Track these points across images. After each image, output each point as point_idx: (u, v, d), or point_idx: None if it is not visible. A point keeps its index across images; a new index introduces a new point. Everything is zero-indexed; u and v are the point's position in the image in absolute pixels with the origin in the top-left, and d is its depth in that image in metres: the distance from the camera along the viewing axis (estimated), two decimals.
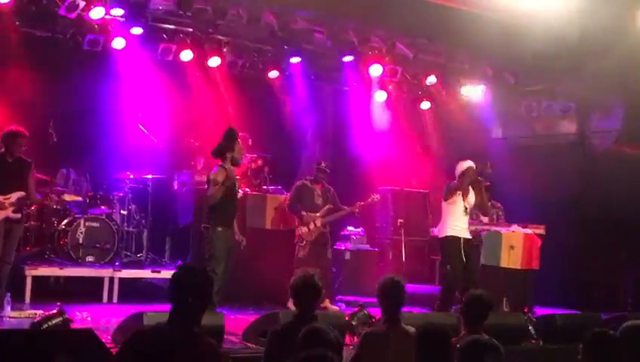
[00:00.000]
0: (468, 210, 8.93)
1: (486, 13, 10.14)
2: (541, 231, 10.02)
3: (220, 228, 7.99)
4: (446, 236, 8.91)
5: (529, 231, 9.89)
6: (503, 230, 9.88)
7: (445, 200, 8.93)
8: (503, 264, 9.64)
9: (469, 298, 5.46)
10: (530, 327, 7.64)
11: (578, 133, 12.55)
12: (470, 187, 8.96)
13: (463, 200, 8.88)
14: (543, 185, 11.69)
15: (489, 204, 9.49)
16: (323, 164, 9.99)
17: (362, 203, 10.14)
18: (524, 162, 12.23)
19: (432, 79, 12.12)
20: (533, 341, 7.66)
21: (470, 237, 8.99)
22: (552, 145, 12.67)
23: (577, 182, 11.50)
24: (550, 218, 10.60)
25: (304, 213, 9.74)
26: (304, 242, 9.73)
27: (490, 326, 5.35)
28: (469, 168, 8.91)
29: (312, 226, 9.71)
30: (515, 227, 9.95)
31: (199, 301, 3.89)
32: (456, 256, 8.81)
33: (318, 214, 9.78)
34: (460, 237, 8.83)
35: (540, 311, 9.26)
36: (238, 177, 8.33)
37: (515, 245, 9.66)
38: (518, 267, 9.65)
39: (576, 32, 10.17)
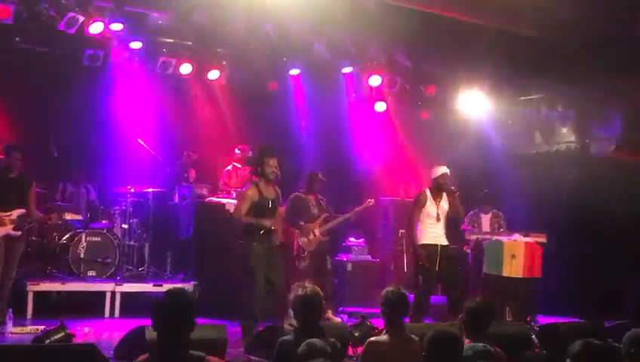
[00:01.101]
0: (440, 216, 8.87)
1: (485, 22, 10.19)
2: (542, 239, 10.00)
3: (255, 243, 7.93)
4: (422, 243, 8.86)
5: (530, 239, 9.89)
6: (504, 239, 9.88)
7: (419, 206, 8.91)
8: (505, 273, 9.62)
9: (470, 307, 5.46)
10: (533, 336, 7.61)
11: (578, 141, 12.56)
12: (444, 194, 8.95)
13: (436, 206, 8.90)
14: (544, 193, 11.69)
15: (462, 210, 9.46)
16: (320, 175, 9.98)
17: (358, 208, 10.08)
18: (524, 171, 12.23)
19: (430, 89, 12.15)
20: (536, 350, 7.63)
21: (446, 243, 8.95)
22: (551, 153, 12.67)
23: (578, 189, 11.49)
24: (551, 226, 10.59)
25: (302, 223, 9.72)
26: (305, 253, 9.70)
27: (493, 336, 5.34)
28: (443, 174, 8.92)
29: (311, 236, 9.65)
30: (516, 236, 9.94)
31: (185, 324, 3.80)
32: (429, 265, 8.76)
33: (315, 223, 9.74)
34: (436, 244, 8.81)
35: (543, 319, 9.24)
36: (271, 194, 8.13)
37: (516, 254, 9.64)
38: (520, 276, 9.63)
39: (575, 40, 10.21)
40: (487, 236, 10.17)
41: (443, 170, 8.95)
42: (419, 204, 8.95)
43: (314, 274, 9.35)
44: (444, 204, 8.94)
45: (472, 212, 10.68)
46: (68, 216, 9.52)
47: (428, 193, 8.95)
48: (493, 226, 10.58)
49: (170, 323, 3.77)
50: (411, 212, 9.09)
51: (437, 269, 8.73)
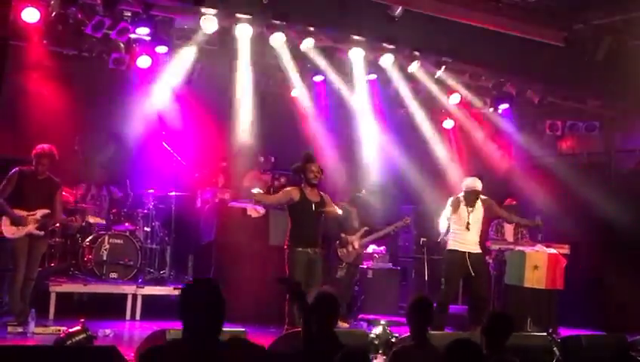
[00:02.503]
0: (471, 225, 8.89)
1: (509, 31, 10.15)
2: (566, 251, 9.94)
3: (299, 249, 8.14)
4: (448, 249, 8.96)
5: (553, 251, 9.82)
6: (527, 250, 9.82)
7: (449, 213, 8.97)
8: (527, 284, 9.57)
9: (491, 317, 5.45)
10: (555, 348, 7.53)
11: (603, 152, 12.46)
12: (480, 204, 8.98)
13: (468, 214, 8.89)
14: (567, 204, 11.61)
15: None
16: (364, 191, 10.22)
17: (397, 224, 10.48)
18: (548, 181, 12.16)
19: (455, 98, 12.10)
20: None
21: (478, 251, 8.97)
22: (576, 164, 12.58)
23: (602, 201, 11.39)
24: (575, 238, 10.51)
25: (343, 235, 9.87)
26: (343, 264, 9.90)
27: (515, 347, 5.31)
28: (474, 190, 8.96)
29: (350, 248, 9.86)
30: (539, 247, 9.89)
31: (211, 314, 3.73)
32: (454, 271, 8.84)
33: (355, 236, 9.88)
34: (464, 251, 8.84)
35: (565, 331, 9.16)
36: (315, 198, 8.35)
37: (539, 265, 9.59)
38: (543, 287, 9.58)
39: (601, 50, 10.14)
40: (510, 246, 10.11)
41: (474, 183, 8.96)
42: (452, 206, 8.94)
43: (349, 283, 9.47)
44: (478, 212, 8.93)
45: (495, 221, 10.64)
46: (91, 219, 9.57)
47: (462, 199, 8.96)
48: (517, 236, 10.52)
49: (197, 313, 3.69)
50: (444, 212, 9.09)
51: (473, 275, 8.79)
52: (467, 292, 9.32)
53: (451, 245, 8.92)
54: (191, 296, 3.77)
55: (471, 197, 8.91)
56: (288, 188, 8.48)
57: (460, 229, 8.87)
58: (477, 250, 8.94)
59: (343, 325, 9.43)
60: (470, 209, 8.90)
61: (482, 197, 9.05)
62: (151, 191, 10.59)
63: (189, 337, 3.70)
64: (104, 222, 10.01)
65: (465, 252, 8.81)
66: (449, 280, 8.89)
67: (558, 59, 10.54)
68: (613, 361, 4.26)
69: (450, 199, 9.11)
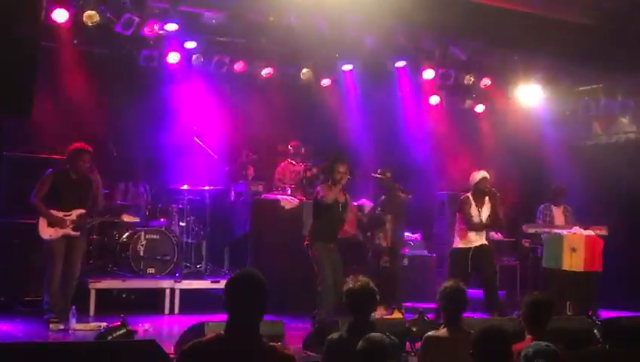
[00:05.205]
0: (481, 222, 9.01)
1: (539, 11, 10.02)
2: (603, 232, 9.80)
3: (319, 243, 8.28)
4: (455, 247, 9.06)
5: (591, 232, 9.69)
6: (564, 232, 9.71)
7: (459, 211, 9.09)
8: (565, 267, 9.47)
9: (529, 301, 5.40)
10: (595, 331, 7.46)
11: (638, 131, 12.26)
12: (487, 199, 9.03)
13: (479, 212, 8.98)
14: (603, 185, 11.46)
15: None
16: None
17: None
18: (583, 162, 12.01)
19: (486, 82, 12.00)
20: (598, 345, 7.47)
21: (482, 243, 8.99)
22: (611, 144, 12.40)
23: (638, 181, 11.23)
24: (612, 218, 10.37)
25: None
26: None
27: (555, 331, 5.27)
28: (482, 178, 9.01)
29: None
30: (576, 229, 9.76)
31: (256, 305, 3.76)
32: (457, 270, 8.73)
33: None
34: (469, 248, 8.90)
35: (605, 314, 9.06)
36: (341, 198, 8.46)
37: (576, 247, 9.48)
38: (581, 269, 9.46)
39: (634, 27, 9.98)
40: (547, 229, 9.98)
41: (482, 174, 9.09)
42: (463, 210, 9.02)
43: None
44: (486, 209, 9.01)
45: (542, 206, 10.42)
46: (126, 218, 9.65)
47: (471, 199, 9.04)
48: (566, 219, 10.28)
49: (244, 302, 3.73)
50: (457, 217, 9.17)
51: (469, 270, 8.82)
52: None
53: (458, 243, 9.07)
54: (236, 287, 3.81)
55: (480, 193, 9.02)
56: (317, 196, 8.50)
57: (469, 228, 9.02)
58: (480, 242, 9.01)
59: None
60: (479, 207, 9.02)
61: (493, 191, 9.11)
62: (184, 187, 10.63)
63: (229, 330, 3.73)
64: (138, 220, 10.07)
65: (470, 248, 8.91)
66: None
67: (591, 37, 10.37)
68: None
69: (460, 201, 9.22)
